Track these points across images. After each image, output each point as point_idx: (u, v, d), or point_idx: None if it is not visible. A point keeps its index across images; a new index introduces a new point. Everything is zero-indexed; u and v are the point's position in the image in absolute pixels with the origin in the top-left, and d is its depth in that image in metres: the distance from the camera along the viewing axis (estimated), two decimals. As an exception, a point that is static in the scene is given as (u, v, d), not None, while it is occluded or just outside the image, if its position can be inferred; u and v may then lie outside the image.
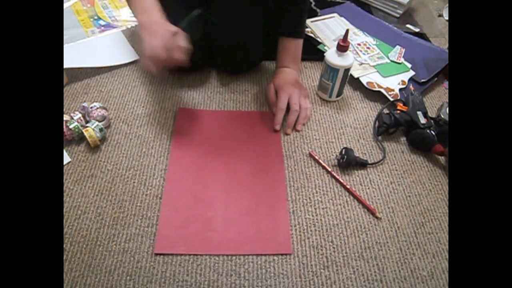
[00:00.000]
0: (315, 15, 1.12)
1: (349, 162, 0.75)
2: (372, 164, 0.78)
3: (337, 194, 0.73)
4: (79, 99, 0.85)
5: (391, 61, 0.99)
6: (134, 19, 1.08)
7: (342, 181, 0.74)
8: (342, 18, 1.11)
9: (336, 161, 0.77)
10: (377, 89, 0.91)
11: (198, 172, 0.73)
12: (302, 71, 0.97)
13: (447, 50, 1.03)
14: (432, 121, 0.82)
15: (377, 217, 0.69)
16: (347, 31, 0.81)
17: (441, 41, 1.11)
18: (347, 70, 0.84)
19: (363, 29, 1.08)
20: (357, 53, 0.99)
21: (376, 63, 0.97)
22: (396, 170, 0.78)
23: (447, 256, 0.65)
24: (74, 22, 1.05)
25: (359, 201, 0.71)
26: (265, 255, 0.63)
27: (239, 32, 0.84)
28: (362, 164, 0.77)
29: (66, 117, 0.75)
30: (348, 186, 0.73)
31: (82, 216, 0.66)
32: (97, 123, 0.76)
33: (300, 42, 0.89)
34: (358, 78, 0.93)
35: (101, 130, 0.75)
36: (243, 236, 0.65)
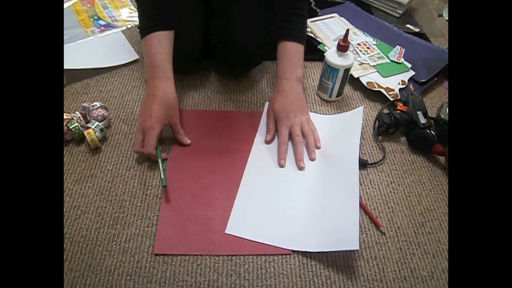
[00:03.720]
0: (315, 15, 1.12)
1: (349, 162, 0.75)
2: (372, 164, 0.78)
3: (337, 194, 0.72)
4: (79, 99, 0.85)
5: (391, 61, 0.99)
6: (134, 19, 1.08)
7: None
8: (342, 18, 1.11)
9: (336, 161, 0.77)
10: (377, 89, 0.91)
11: (198, 172, 0.73)
12: (302, 71, 0.97)
13: (447, 50, 1.03)
14: (432, 121, 0.82)
15: (381, 232, 0.69)
16: (347, 31, 0.81)
17: (441, 41, 1.11)
18: (347, 70, 0.84)
19: (363, 29, 1.08)
20: (357, 53, 0.99)
21: (376, 63, 0.97)
22: (396, 170, 0.77)
23: (447, 256, 0.65)
24: (74, 22, 1.05)
25: (360, 205, 0.71)
26: (265, 255, 0.63)
27: (240, 30, 0.84)
28: (362, 164, 0.77)
29: (66, 117, 0.75)
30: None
31: (82, 216, 0.66)
32: (97, 123, 0.76)
33: (297, 46, 0.81)
34: (358, 78, 0.93)
35: (101, 130, 0.75)
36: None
